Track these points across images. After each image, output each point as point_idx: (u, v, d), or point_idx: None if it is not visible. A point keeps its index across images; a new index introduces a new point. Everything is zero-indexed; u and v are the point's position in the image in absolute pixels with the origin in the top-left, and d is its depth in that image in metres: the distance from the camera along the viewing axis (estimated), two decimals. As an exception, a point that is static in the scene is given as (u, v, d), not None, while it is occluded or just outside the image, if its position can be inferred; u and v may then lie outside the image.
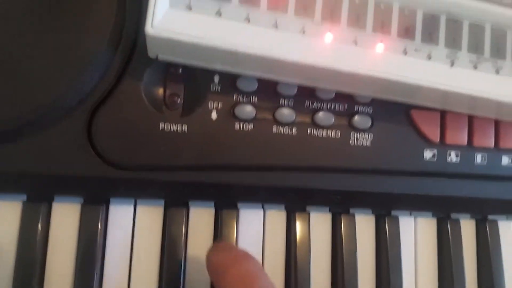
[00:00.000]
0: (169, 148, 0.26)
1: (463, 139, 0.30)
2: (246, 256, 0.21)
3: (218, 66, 0.26)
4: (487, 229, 0.34)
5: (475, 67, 0.27)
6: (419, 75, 0.25)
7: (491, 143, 0.31)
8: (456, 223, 0.33)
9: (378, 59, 0.25)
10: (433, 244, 0.33)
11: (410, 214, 0.34)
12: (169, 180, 0.26)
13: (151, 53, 0.25)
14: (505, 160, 0.31)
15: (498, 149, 0.31)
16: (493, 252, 0.33)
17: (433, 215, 0.34)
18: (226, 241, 0.29)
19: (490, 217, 0.35)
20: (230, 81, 0.27)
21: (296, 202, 0.31)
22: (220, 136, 0.27)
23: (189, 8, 0.22)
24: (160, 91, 0.26)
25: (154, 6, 0.21)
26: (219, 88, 0.27)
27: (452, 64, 0.26)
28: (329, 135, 0.28)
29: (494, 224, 0.34)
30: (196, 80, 0.27)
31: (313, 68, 0.24)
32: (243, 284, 0.20)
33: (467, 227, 0.34)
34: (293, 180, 0.28)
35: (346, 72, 0.24)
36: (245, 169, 0.27)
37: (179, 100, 0.26)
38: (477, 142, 0.30)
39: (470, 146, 0.30)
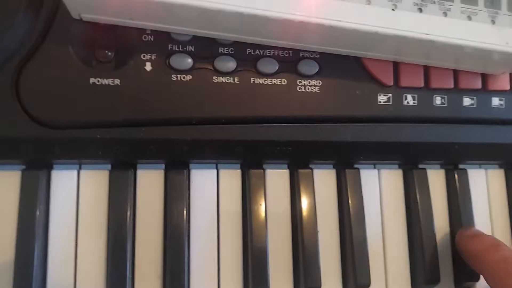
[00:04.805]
0: (102, 104, 0.27)
1: (419, 81, 0.31)
2: (499, 242, 0.30)
3: (146, 22, 0.27)
4: (456, 178, 0.35)
5: (420, 10, 0.27)
6: (359, 19, 0.26)
7: (450, 84, 0.32)
8: (423, 172, 0.35)
9: (313, 3, 0.26)
10: (400, 195, 0.35)
11: (375, 167, 0.35)
12: (104, 137, 0.28)
13: (73, 13, 0.26)
14: (466, 101, 0.32)
15: (458, 90, 0.32)
16: (463, 202, 0.35)
17: (400, 167, 0.35)
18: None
19: (461, 166, 0.36)
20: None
21: (249, 159, 0.32)
22: (156, 88, 0.28)
23: None
24: (90, 45, 0.28)
25: None
26: (152, 38, 0.28)
27: (395, 7, 0.27)
28: (274, 83, 0.30)
29: (464, 172, 0.35)
30: (127, 31, 0.28)
31: (244, 17, 0.25)
32: (505, 267, 0.28)
33: (437, 177, 0.36)
34: (238, 133, 0.29)
35: (276, 19, 0.25)
36: (185, 123, 0.29)
37: (109, 53, 0.28)
38: (434, 83, 0.32)
39: (428, 88, 0.32)
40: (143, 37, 0.28)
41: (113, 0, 0.23)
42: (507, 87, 0.33)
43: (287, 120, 0.30)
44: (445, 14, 0.28)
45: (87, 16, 0.26)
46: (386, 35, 0.27)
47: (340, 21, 0.26)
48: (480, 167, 0.37)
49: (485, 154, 0.34)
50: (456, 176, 0.35)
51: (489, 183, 0.36)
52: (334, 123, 0.30)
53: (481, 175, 0.36)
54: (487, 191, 0.36)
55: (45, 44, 0.27)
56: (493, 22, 0.28)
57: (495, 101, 0.33)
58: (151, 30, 0.28)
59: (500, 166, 0.37)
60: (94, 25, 0.27)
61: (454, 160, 0.35)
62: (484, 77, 0.33)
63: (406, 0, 0.27)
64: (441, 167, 0.36)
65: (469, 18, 0.28)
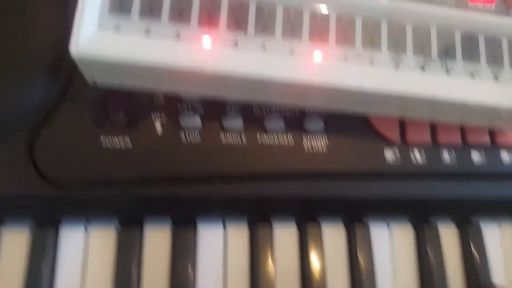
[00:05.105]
0: (113, 163, 0.28)
1: (426, 137, 0.32)
2: None
3: (158, 87, 0.28)
4: (470, 234, 0.34)
5: (423, 69, 0.28)
6: (362, 80, 0.27)
7: (458, 140, 0.32)
8: (434, 229, 0.34)
9: (317, 67, 0.27)
10: (412, 252, 0.34)
11: (384, 222, 0.35)
12: (114, 196, 0.28)
13: (88, 78, 0.27)
14: (475, 156, 0.32)
15: (467, 146, 0.32)
16: (479, 259, 0.34)
17: (410, 222, 0.35)
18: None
19: (474, 221, 0.36)
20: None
21: (257, 215, 0.33)
22: (166, 147, 0.29)
23: (118, 28, 0.25)
24: (104, 108, 0.29)
25: (80, 27, 0.24)
26: (163, 99, 0.29)
27: (397, 67, 0.28)
28: (281, 140, 0.30)
29: (477, 228, 0.35)
30: (139, 93, 0.29)
31: (248, 80, 0.26)
32: None
33: (450, 233, 0.35)
34: (245, 190, 0.30)
35: (281, 82, 0.26)
36: (194, 181, 0.29)
37: (122, 115, 0.29)
38: (442, 139, 0.32)
39: (435, 144, 0.32)
40: (154, 99, 0.29)
41: (126, 69, 0.25)
42: (517, 142, 0.33)
43: (294, 177, 0.30)
44: (447, 72, 0.29)
45: (102, 82, 0.27)
46: (389, 94, 0.27)
47: (343, 82, 0.27)
48: (493, 222, 0.36)
49: (498, 210, 0.34)
50: (470, 232, 0.34)
51: (504, 239, 0.35)
52: (341, 180, 0.31)
53: (495, 230, 0.35)
54: (502, 247, 0.35)
55: (61, 108, 0.28)
56: (496, 79, 0.29)
57: (506, 156, 0.33)
58: (163, 93, 0.29)
59: (514, 220, 0.36)
60: (109, 90, 0.28)
61: (467, 215, 0.35)
62: (493, 132, 0.33)
63: (408, 60, 0.28)
64: (454, 223, 0.35)
65: (472, 75, 0.29)
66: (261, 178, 0.30)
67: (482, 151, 0.32)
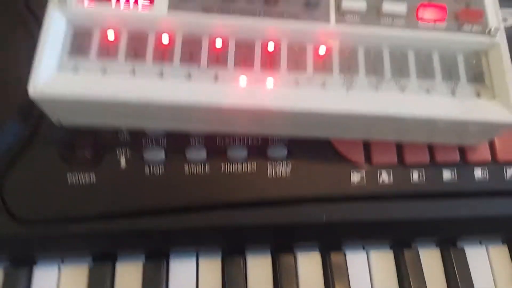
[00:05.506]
0: (80, 199, 0.29)
1: (393, 158, 0.32)
2: None
3: (118, 123, 0.29)
4: (453, 258, 0.33)
5: (376, 88, 0.29)
6: (314, 103, 0.27)
7: (426, 159, 0.32)
8: (414, 253, 0.33)
9: (269, 92, 0.28)
10: (392, 279, 0.33)
11: (362, 248, 0.34)
12: (81, 231, 0.29)
13: (53, 119, 0.29)
14: (447, 175, 0.32)
15: (436, 164, 0.32)
16: (464, 283, 0.33)
17: (389, 247, 0.34)
18: None
19: (457, 243, 0.34)
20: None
21: (229, 246, 0.33)
22: (131, 181, 0.30)
23: (76, 69, 0.27)
24: (70, 146, 0.30)
25: (38, 68, 0.26)
26: (127, 135, 0.31)
27: (349, 88, 0.28)
28: (244, 169, 0.31)
29: (461, 251, 0.34)
30: (104, 130, 0.30)
31: (205, 109, 0.27)
32: None
33: (432, 257, 0.34)
34: (213, 219, 0.30)
35: (233, 109, 0.27)
36: (161, 213, 0.30)
37: (87, 152, 0.30)
38: (409, 159, 0.32)
39: (403, 164, 0.32)
40: (118, 135, 0.30)
41: (85, 106, 0.26)
42: (489, 158, 0.32)
43: (261, 204, 0.30)
44: (402, 90, 0.29)
45: (66, 122, 0.29)
46: (343, 115, 0.28)
47: (295, 106, 0.27)
48: (481, 244, 0.35)
49: (477, 229, 0.33)
50: (453, 255, 0.33)
51: (492, 262, 0.34)
52: (308, 205, 0.30)
53: (483, 253, 0.34)
54: (491, 272, 0.33)
55: (29, 148, 0.30)
56: (453, 94, 0.29)
57: (478, 173, 0.32)
58: (125, 129, 0.30)
59: (503, 242, 0.34)
60: (74, 128, 0.30)
61: (447, 237, 0.34)
62: (463, 149, 0.32)
63: (360, 81, 0.29)
64: (436, 246, 0.34)
65: (428, 91, 0.29)
66: (227, 207, 0.30)
67: (453, 169, 0.32)
